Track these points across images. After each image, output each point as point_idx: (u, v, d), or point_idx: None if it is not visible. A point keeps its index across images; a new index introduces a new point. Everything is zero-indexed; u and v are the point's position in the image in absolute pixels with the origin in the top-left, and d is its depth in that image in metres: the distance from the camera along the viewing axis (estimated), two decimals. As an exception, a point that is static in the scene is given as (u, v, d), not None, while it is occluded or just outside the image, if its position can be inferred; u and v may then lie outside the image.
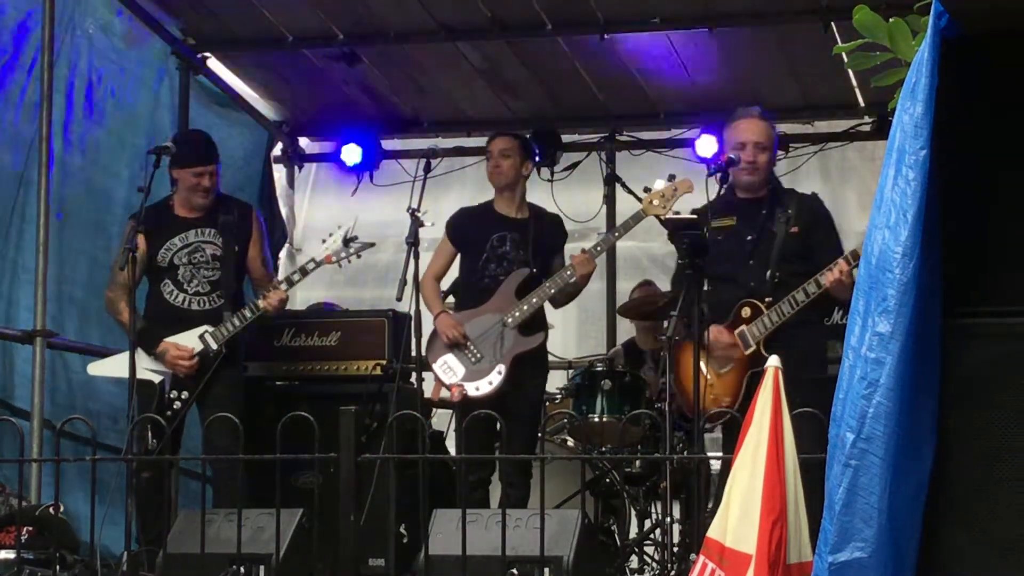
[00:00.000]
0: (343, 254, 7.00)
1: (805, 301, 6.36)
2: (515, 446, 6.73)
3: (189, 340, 6.93)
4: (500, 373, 7.13)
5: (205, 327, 6.94)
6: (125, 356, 6.75)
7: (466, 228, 7.46)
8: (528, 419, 7.12)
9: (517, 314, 7.16)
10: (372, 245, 7.09)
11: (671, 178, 7.23)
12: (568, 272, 7.17)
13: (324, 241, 7.11)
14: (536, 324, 7.26)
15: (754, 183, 6.65)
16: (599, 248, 7.26)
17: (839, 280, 6.23)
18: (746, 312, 6.51)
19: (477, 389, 7.13)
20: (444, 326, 7.20)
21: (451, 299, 7.59)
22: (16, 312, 7.88)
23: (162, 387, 6.94)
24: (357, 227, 9.70)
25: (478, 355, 7.16)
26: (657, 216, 7.13)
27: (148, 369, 6.89)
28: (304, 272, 7.01)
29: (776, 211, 6.60)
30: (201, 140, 7.28)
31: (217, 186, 7.17)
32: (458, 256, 7.47)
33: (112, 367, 7.07)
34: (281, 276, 7.62)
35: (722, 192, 6.74)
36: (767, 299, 6.47)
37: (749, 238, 6.61)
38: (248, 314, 6.94)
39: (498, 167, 7.36)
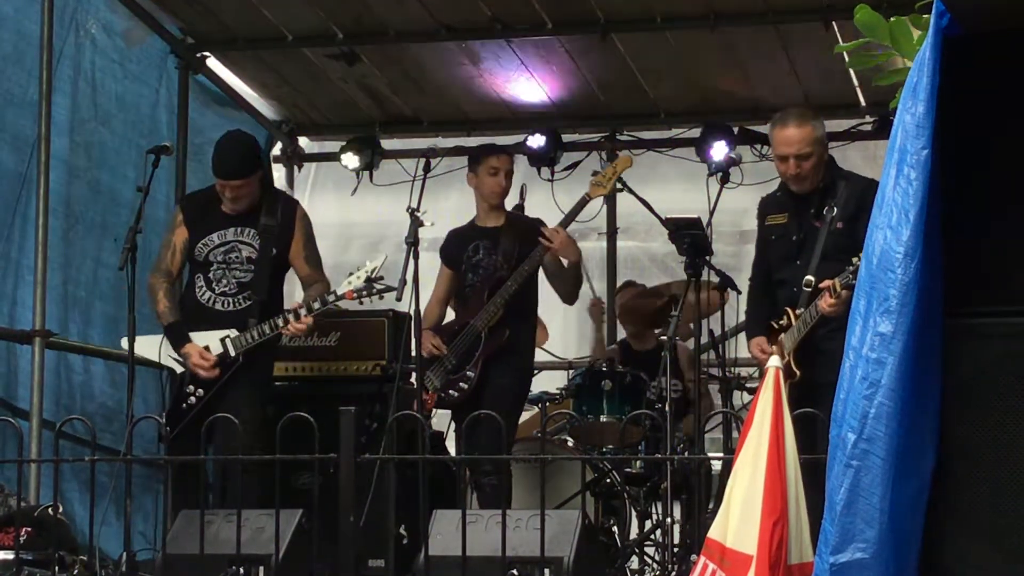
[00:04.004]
0: (364, 292, 6.96)
1: (813, 321, 6.20)
2: (482, 437, 6.70)
3: (211, 340, 6.90)
4: (471, 376, 7.33)
5: (229, 331, 6.90)
6: (156, 339, 6.90)
7: (450, 247, 7.70)
8: (494, 409, 6.97)
9: (485, 317, 7.33)
10: (393, 289, 7.03)
11: (609, 158, 7.43)
12: (536, 254, 7.32)
13: (349, 275, 7.03)
14: (506, 321, 7.36)
15: (804, 189, 6.45)
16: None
17: (834, 307, 6.03)
18: (784, 321, 6.35)
19: (452, 394, 7.36)
20: (423, 341, 7.33)
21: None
22: (20, 313, 7.88)
23: (182, 379, 6.94)
24: (356, 227, 9.70)
25: (452, 362, 7.38)
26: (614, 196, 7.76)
27: (172, 357, 6.92)
28: (324, 303, 6.94)
29: (825, 205, 6.36)
30: (231, 152, 7.04)
31: (252, 195, 7.00)
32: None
33: (142, 347, 7.01)
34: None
35: (777, 193, 6.64)
36: (798, 310, 6.29)
37: (795, 238, 6.44)
38: (267, 330, 6.89)
39: (504, 186, 7.54)
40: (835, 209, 6.32)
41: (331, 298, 6.93)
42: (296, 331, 6.91)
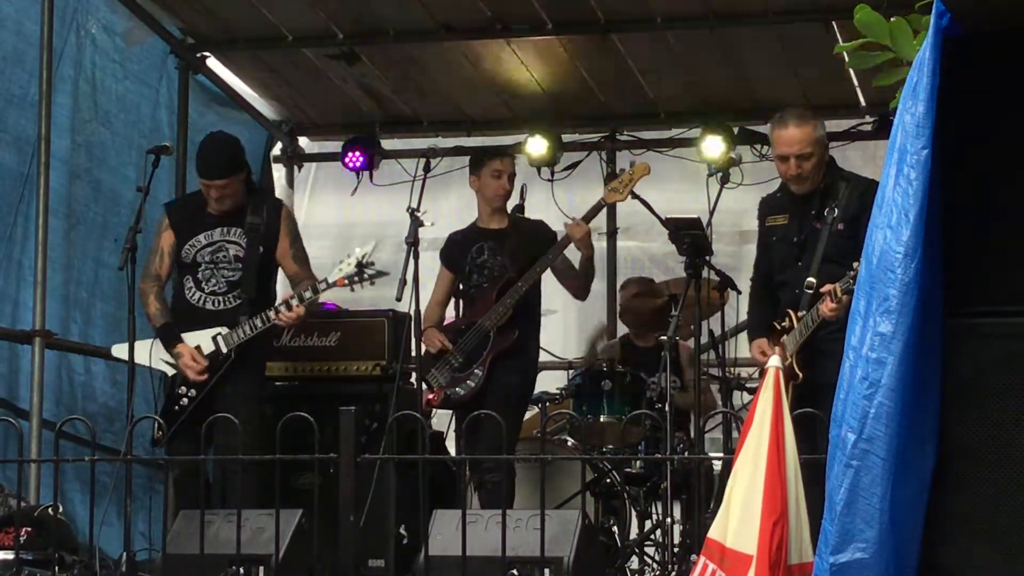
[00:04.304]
0: (356, 279, 6.95)
1: (815, 324, 6.17)
2: (486, 435, 6.72)
3: (203, 339, 6.91)
4: (479, 374, 7.33)
5: (220, 329, 6.90)
6: (146, 344, 6.88)
7: (452, 250, 7.69)
8: (500, 407, 6.90)
9: (494, 316, 7.32)
10: (386, 274, 7.03)
11: (631, 165, 7.47)
12: (558, 246, 7.37)
13: (340, 262, 7.04)
14: (515, 322, 7.36)
15: (803, 190, 6.40)
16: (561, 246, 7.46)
17: (835, 312, 6.00)
18: (786, 323, 6.31)
19: (458, 391, 7.34)
20: (428, 339, 7.37)
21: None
22: (23, 313, 7.88)
23: (173, 381, 6.95)
24: (356, 227, 9.68)
25: (459, 359, 7.37)
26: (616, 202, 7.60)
27: (164, 360, 6.91)
28: (315, 291, 6.94)
29: (825, 207, 6.32)
30: (214, 152, 7.06)
31: (236, 195, 7.02)
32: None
33: (136, 352, 7.04)
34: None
35: (777, 194, 6.60)
36: (800, 312, 6.25)
37: (796, 239, 6.40)
38: (259, 323, 6.90)
39: (507, 189, 7.55)
40: (836, 210, 6.30)
41: (323, 287, 6.94)
42: (287, 320, 6.92)
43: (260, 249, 7.02)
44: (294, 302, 6.88)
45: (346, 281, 6.93)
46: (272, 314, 6.88)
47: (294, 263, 7.14)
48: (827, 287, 6.09)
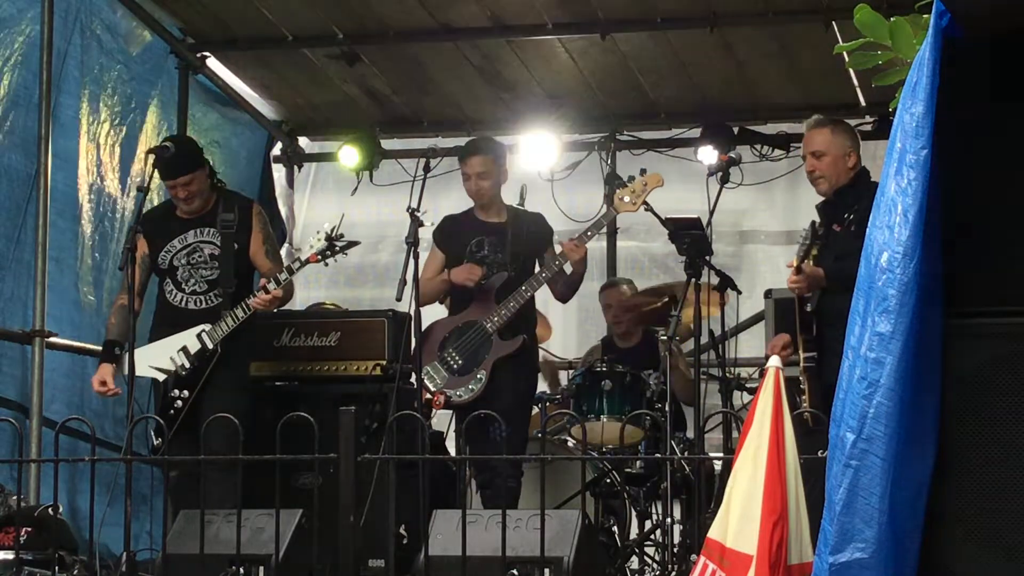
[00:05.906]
0: (328, 252, 6.97)
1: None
2: (493, 441, 6.70)
3: (188, 339, 6.93)
4: (480, 378, 7.26)
5: (203, 326, 6.94)
6: (141, 352, 6.84)
7: (449, 233, 7.57)
8: (512, 420, 6.75)
9: (496, 319, 7.25)
10: (357, 243, 7.06)
11: (642, 172, 7.31)
12: (556, 262, 7.26)
13: (311, 238, 7.08)
14: (517, 327, 7.32)
15: (822, 190, 6.58)
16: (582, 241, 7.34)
17: (796, 283, 6.22)
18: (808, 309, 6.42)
19: (459, 395, 7.26)
20: (461, 275, 7.27)
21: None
22: (32, 315, 7.86)
23: (165, 386, 6.96)
24: (356, 227, 9.68)
25: (458, 361, 7.30)
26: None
27: (152, 367, 6.92)
28: (290, 271, 6.97)
29: (845, 210, 6.48)
30: (173, 151, 7.01)
31: (203, 192, 7.09)
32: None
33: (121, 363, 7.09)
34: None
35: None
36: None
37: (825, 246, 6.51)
38: (240, 313, 6.92)
39: (479, 189, 7.43)
40: (853, 215, 6.41)
41: (296, 266, 7.00)
42: (265, 303, 6.92)
43: (235, 245, 7.06)
44: (271, 285, 6.90)
45: (319, 257, 6.97)
46: (252, 301, 6.90)
47: (267, 259, 7.18)
48: (790, 263, 6.22)
